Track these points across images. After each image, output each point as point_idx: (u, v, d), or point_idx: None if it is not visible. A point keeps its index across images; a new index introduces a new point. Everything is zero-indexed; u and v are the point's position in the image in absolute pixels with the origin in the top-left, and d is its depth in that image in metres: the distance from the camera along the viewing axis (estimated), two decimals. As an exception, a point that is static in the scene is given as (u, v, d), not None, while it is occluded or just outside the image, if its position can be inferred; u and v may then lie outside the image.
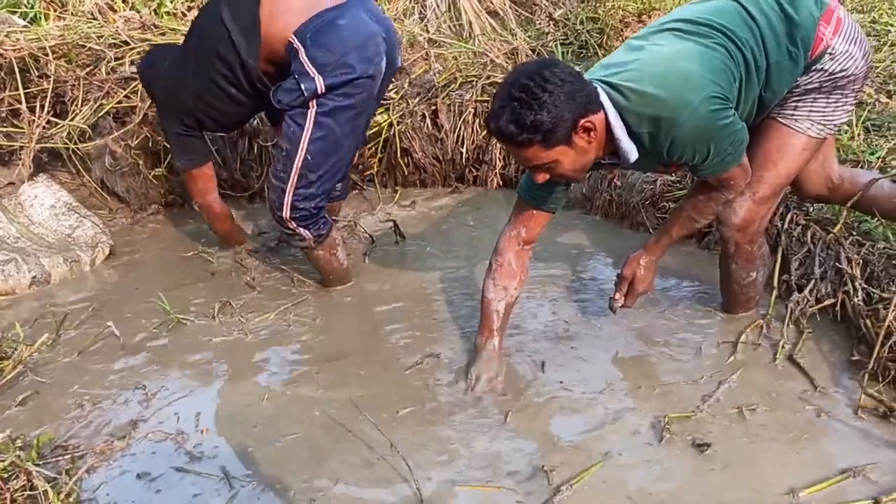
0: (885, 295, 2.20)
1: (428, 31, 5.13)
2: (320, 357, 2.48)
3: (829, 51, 2.01)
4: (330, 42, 2.46)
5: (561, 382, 2.22)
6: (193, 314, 2.77)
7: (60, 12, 3.87)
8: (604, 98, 1.93)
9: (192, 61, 2.68)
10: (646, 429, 1.97)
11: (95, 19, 3.89)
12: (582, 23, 6.87)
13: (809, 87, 2.10)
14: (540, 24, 6.95)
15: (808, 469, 1.78)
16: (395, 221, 3.31)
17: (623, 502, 1.73)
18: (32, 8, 3.81)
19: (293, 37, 2.48)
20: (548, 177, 2.00)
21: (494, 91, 1.97)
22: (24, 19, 3.85)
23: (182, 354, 2.55)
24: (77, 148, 3.60)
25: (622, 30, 6.92)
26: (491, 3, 6.70)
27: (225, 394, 2.31)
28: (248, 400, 2.26)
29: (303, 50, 2.47)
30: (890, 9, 6.58)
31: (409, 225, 3.45)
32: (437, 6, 6.12)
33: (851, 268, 2.36)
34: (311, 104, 2.51)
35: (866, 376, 2.04)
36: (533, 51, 6.44)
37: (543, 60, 1.97)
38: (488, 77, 3.96)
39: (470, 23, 6.26)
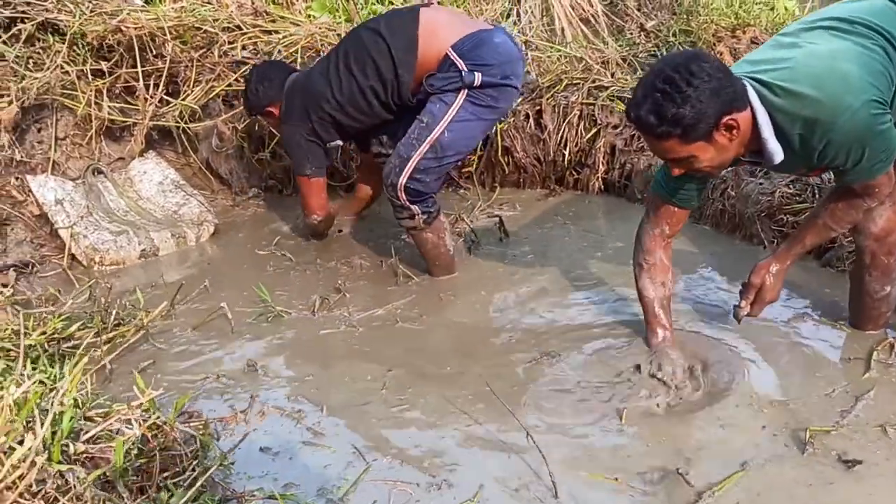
0: None
1: (525, 35, 5.11)
2: (432, 351, 2.48)
3: None
4: (487, 54, 2.67)
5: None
6: (301, 304, 2.80)
7: (182, -1, 3.94)
8: (752, 95, 1.88)
9: (340, 72, 2.81)
10: (786, 440, 1.90)
11: (210, 2, 3.96)
12: (674, 35, 6.78)
13: None
14: (631, 34, 6.89)
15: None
16: (500, 218, 3.30)
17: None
18: (151, -9, 3.89)
19: (451, 50, 2.66)
20: (683, 171, 1.97)
21: (640, 78, 1.93)
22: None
23: (292, 341, 2.57)
24: (187, 127, 3.67)
25: (715, 44, 6.82)
26: (584, 10, 6.67)
27: (341, 380, 2.31)
28: (365, 387, 2.26)
29: (461, 60, 2.64)
30: None
31: (511, 224, 3.42)
32: (532, 11, 6.11)
33: None
34: (462, 91, 2.65)
35: None
36: (623, 60, 6.39)
37: (691, 52, 1.95)
38: (594, 80, 3.92)
39: (563, 29, 6.23)
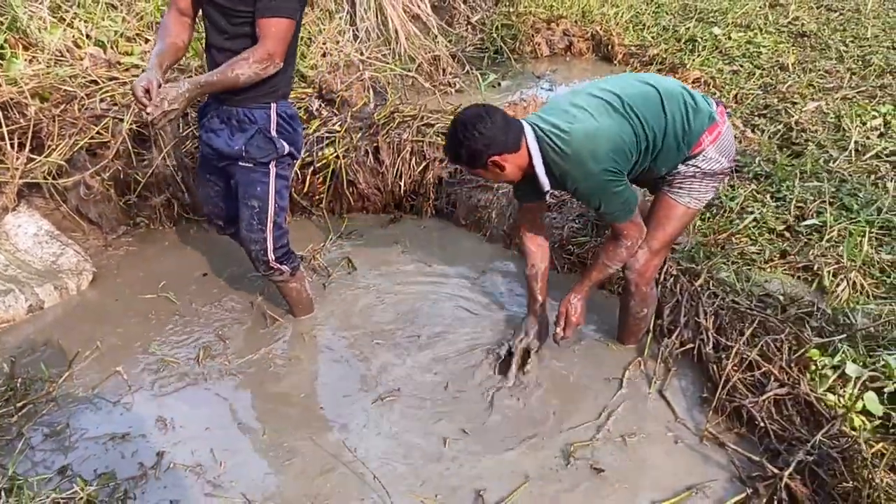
0: (728, 344, 3.00)
1: (363, 53, 5.61)
2: (302, 394, 3.10)
3: (703, 153, 2.78)
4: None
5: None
6: (187, 353, 3.32)
7: (32, 51, 4.18)
8: (532, 142, 2.69)
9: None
10: (555, 453, 2.71)
11: (63, 57, 4.22)
12: (497, 29, 7.47)
13: (687, 174, 2.84)
14: (458, 28, 7.50)
15: (668, 485, 2.56)
16: (348, 258, 3.94)
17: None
18: (2, 48, 4.11)
19: None
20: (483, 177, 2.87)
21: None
22: (-5, 56, 4.15)
23: (183, 394, 3.09)
24: (56, 183, 4.00)
25: (533, 35, 7.58)
26: (414, 5, 7.18)
27: (231, 430, 2.90)
28: (250, 435, 2.87)
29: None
30: (765, 24, 7.45)
31: (357, 255, 4.06)
32: (367, 15, 6.58)
33: (706, 319, 3.14)
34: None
35: (710, 411, 2.84)
36: (453, 57, 7.03)
37: (482, 110, 2.66)
38: (422, 118, 4.53)
39: (396, 31, 6.76)
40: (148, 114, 2.56)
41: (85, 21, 4.60)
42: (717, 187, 2.97)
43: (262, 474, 2.68)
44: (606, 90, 2.77)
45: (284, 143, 2.96)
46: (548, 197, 3.01)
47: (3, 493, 2.37)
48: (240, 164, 2.96)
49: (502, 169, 2.69)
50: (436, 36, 6.95)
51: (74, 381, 3.17)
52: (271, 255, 3.17)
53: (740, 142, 4.85)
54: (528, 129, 2.69)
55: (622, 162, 2.67)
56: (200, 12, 2.85)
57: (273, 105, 2.89)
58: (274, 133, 2.91)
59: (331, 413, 2.97)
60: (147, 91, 2.57)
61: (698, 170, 2.82)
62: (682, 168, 2.85)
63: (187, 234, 4.37)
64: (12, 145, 3.94)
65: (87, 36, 4.42)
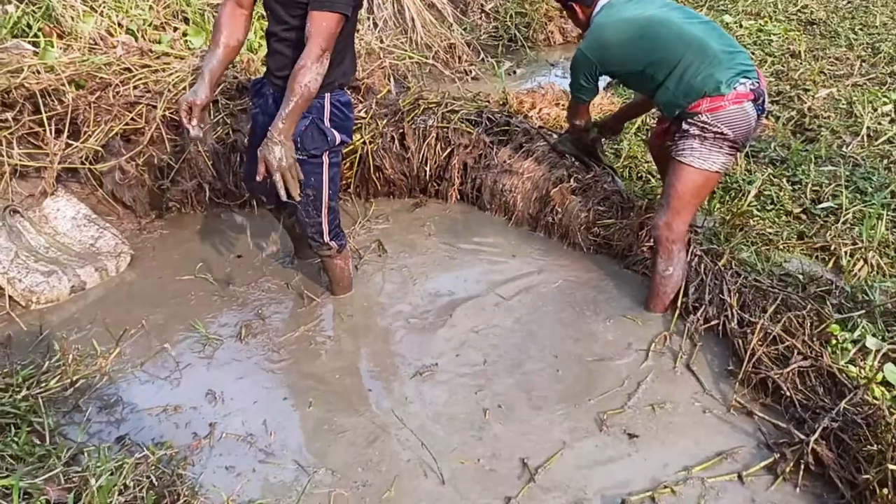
0: (752, 320, 3.13)
1: (382, 41, 5.72)
2: (343, 369, 3.23)
3: (699, 116, 3.03)
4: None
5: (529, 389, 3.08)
6: (229, 331, 3.45)
7: (67, 40, 4.29)
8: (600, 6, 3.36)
9: None
10: (589, 423, 2.85)
11: (97, 45, 4.34)
12: (511, 17, 7.57)
13: (691, 131, 3.08)
14: (472, 16, 7.60)
15: (698, 451, 2.70)
16: (379, 240, 4.07)
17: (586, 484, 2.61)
18: (37, 36, 4.22)
19: None
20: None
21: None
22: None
23: (230, 369, 3.23)
24: (94, 168, 4.12)
25: (546, 23, 7.68)
26: (428, -4, 7.26)
27: (278, 402, 3.04)
28: (298, 406, 3.01)
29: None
30: (774, 13, 7.56)
31: (386, 237, 4.19)
32: (383, 4, 6.68)
33: (730, 297, 3.27)
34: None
35: (737, 383, 2.97)
36: (468, 45, 7.14)
37: None
38: (447, 105, 4.64)
39: (413, 19, 6.87)
40: (189, 134, 2.87)
41: (115, 10, 4.70)
42: (725, 152, 3.10)
43: (311, 444, 2.81)
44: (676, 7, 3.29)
45: (336, 134, 3.04)
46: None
47: (71, 461, 2.49)
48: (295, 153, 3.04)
49: (576, 14, 3.47)
50: (451, 24, 7.06)
51: (123, 357, 3.29)
52: (327, 237, 3.32)
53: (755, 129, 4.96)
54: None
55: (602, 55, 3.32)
56: (260, 3, 2.97)
57: (327, 95, 2.98)
58: (327, 123, 3.00)
59: (373, 388, 3.10)
60: (190, 110, 2.79)
61: (696, 128, 3.05)
62: (683, 125, 3.12)
63: (218, 219, 4.49)
64: (51, 132, 4.05)
65: (119, 24, 4.53)
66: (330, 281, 3.67)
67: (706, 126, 3.03)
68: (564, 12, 3.66)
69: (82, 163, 4.10)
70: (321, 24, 2.70)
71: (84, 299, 3.77)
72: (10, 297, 3.64)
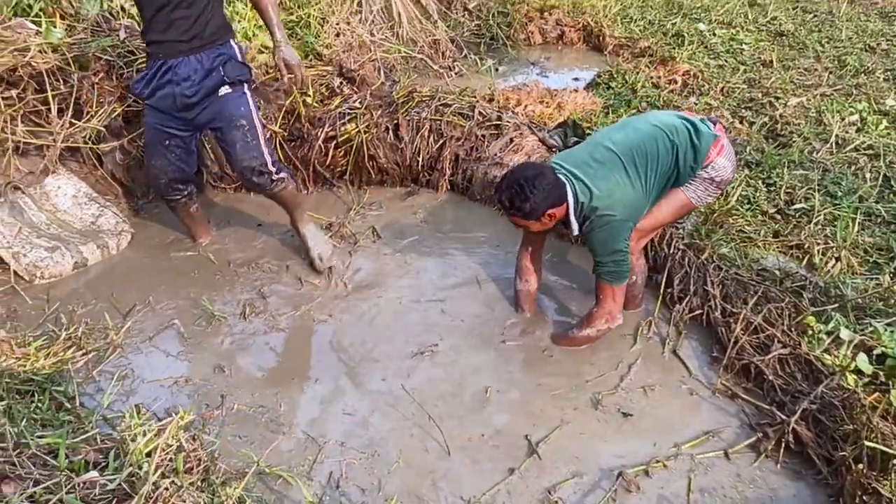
0: (734, 310, 3.34)
1: (373, 35, 5.84)
2: (344, 347, 3.36)
3: (712, 164, 3.09)
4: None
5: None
6: (229, 309, 3.56)
7: (69, 21, 4.33)
8: (570, 196, 2.98)
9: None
10: (585, 402, 3.04)
11: (100, 28, 4.38)
12: (493, 16, 7.73)
13: (699, 176, 3.19)
14: (455, 14, 7.75)
15: (687, 430, 2.90)
16: (373, 227, 4.21)
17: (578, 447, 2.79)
18: (38, 16, 4.26)
19: None
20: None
21: (506, 172, 2.97)
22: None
23: (236, 344, 3.34)
24: (96, 148, 4.18)
25: (527, 24, 7.85)
26: (414, -9, 7.38)
27: (285, 376, 3.16)
28: (303, 381, 3.13)
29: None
30: (745, 23, 7.85)
31: (379, 223, 4.33)
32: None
33: (713, 288, 3.48)
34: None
35: (721, 368, 3.18)
36: (452, 41, 7.28)
37: (538, 169, 2.94)
38: (440, 98, 4.78)
39: (399, 13, 6.99)
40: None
41: (116, -7, 4.74)
42: (717, 195, 3.31)
43: (319, 415, 2.95)
44: (619, 143, 3.11)
45: (249, 65, 3.54)
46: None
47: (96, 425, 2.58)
48: (219, 93, 3.43)
49: (552, 219, 3.01)
50: (436, 21, 7.21)
51: (131, 331, 3.38)
52: (271, 166, 3.56)
53: (730, 131, 5.21)
54: (568, 186, 2.99)
55: (635, 213, 3.10)
56: None
57: (231, 41, 3.49)
58: (241, 59, 3.50)
59: (376, 365, 3.23)
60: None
61: (708, 175, 3.17)
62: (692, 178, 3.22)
63: (214, 202, 4.57)
64: (55, 110, 4.09)
65: (122, 9, 4.57)
66: (289, 211, 3.82)
67: (718, 168, 3.14)
68: (531, 224, 3.05)
69: (85, 142, 4.15)
70: None
71: (86, 275, 3.84)
72: (14, 271, 3.69)
